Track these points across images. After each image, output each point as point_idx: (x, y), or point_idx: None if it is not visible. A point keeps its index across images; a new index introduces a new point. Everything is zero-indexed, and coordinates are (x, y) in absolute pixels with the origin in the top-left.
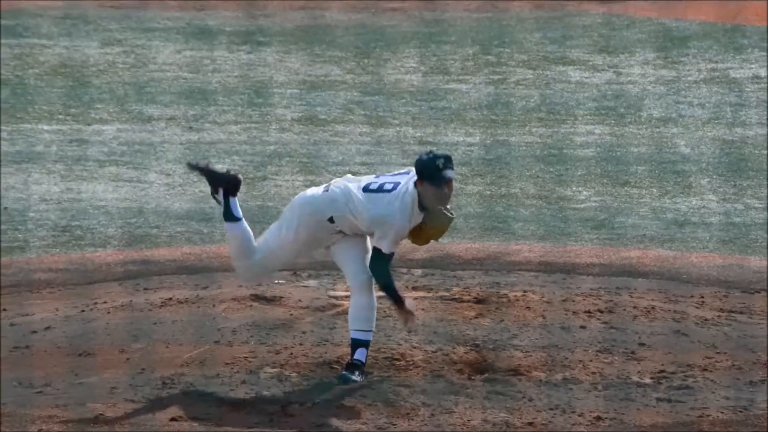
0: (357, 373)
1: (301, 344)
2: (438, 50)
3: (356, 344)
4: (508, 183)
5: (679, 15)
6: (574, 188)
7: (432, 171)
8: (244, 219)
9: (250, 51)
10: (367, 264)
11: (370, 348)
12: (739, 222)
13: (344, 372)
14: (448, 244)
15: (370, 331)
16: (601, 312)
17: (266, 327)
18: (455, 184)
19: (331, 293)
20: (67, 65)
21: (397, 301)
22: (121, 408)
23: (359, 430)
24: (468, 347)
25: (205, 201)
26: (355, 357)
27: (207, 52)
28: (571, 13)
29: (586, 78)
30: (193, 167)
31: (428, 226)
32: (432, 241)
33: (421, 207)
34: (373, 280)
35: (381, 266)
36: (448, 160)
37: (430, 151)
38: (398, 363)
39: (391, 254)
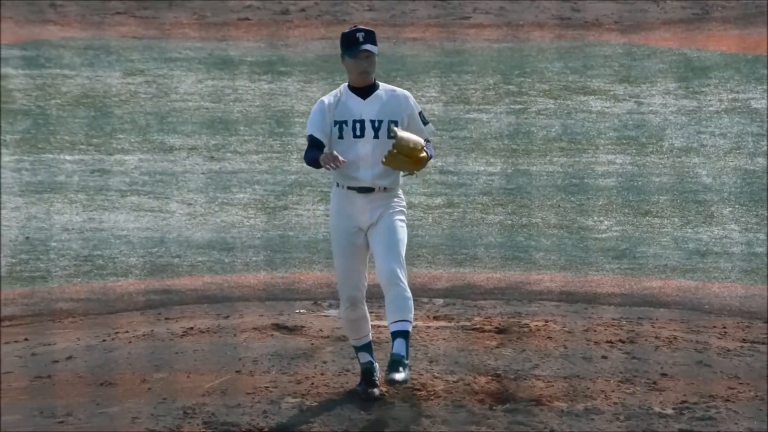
0: (400, 369)
1: (322, 374)
2: (459, 80)
3: (394, 336)
4: (529, 212)
5: (700, 45)
6: (595, 218)
7: (350, 43)
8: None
9: (271, 81)
10: (391, 256)
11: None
12: (761, 252)
13: (389, 375)
14: (469, 274)
15: (408, 321)
16: (623, 342)
17: (287, 356)
18: None
19: None
20: (89, 95)
21: (316, 163)
22: None
23: None
24: (489, 377)
25: (226, 231)
26: (395, 351)
27: (228, 81)
28: (592, 43)
29: (607, 108)
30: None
31: (395, 148)
32: (409, 169)
33: (389, 135)
34: (398, 272)
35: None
36: (369, 35)
37: (355, 26)
38: (419, 393)
39: (311, 137)
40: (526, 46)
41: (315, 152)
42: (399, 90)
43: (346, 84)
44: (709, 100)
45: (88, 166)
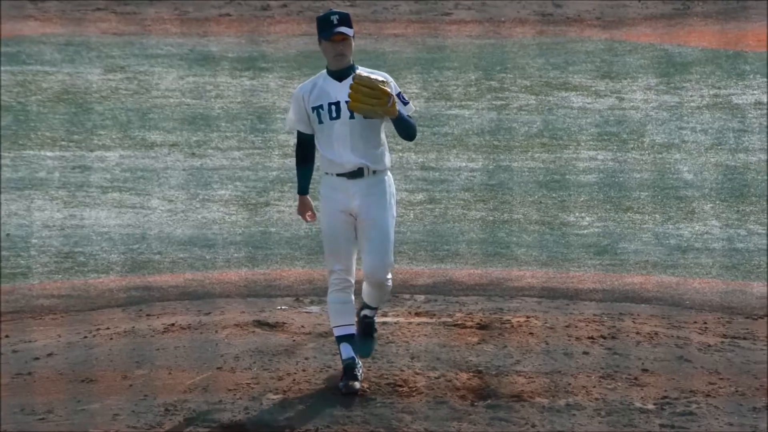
0: (374, 328)
1: (303, 370)
2: (440, 76)
3: (361, 320)
4: (511, 209)
5: (681, 41)
6: (576, 214)
7: (324, 26)
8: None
9: (252, 77)
10: (379, 256)
11: (372, 373)
12: (741, 248)
13: (360, 347)
14: (450, 270)
15: (377, 309)
16: (604, 338)
17: (269, 353)
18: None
19: None
20: (69, 92)
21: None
22: None
23: None
24: (471, 373)
25: (207, 227)
26: (364, 313)
27: (210, 78)
28: (573, 39)
29: (588, 104)
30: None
31: (354, 80)
32: (377, 105)
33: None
34: (383, 272)
35: None
36: (343, 18)
37: (331, 9)
38: (401, 389)
39: (298, 132)
40: (508, 42)
41: (301, 173)
42: (378, 72)
43: (325, 70)
44: (691, 96)
45: (68, 163)
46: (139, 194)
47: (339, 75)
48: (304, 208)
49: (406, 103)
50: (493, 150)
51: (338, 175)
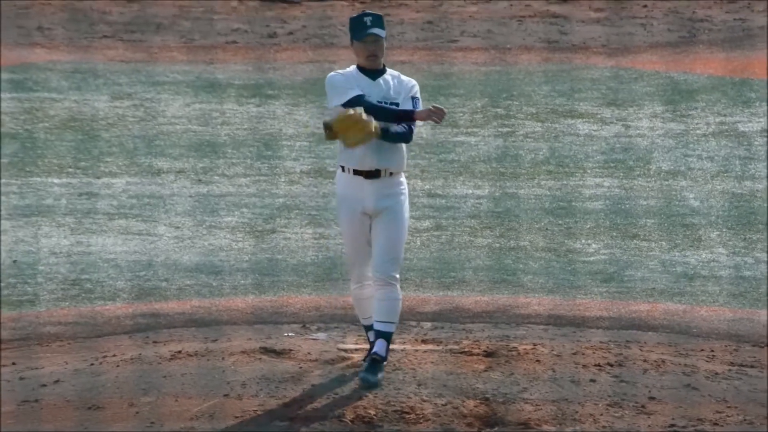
0: (378, 372)
1: (311, 397)
2: (446, 103)
3: (376, 334)
4: (517, 235)
5: (687, 68)
6: (583, 241)
7: (357, 27)
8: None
9: (259, 104)
10: (388, 255)
11: (380, 401)
12: (749, 275)
13: (363, 373)
14: (457, 297)
15: (393, 323)
16: (611, 365)
17: (276, 380)
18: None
19: (341, 346)
20: (76, 119)
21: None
22: None
23: None
24: (478, 400)
25: (214, 254)
26: (376, 350)
27: (216, 105)
28: (579, 66)
29: (594, 131)
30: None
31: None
32: (364, 131)
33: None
34: (393, 273)
35: None
36: (377, 19)
37: (364, 11)
38: (408, 416)
39: (356, 97)
40: (514, 69)
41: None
42: (405, 77)
43: (355, 66)
44: (697, 123)
45: (75, 190)
46: (146, 221)
47: (371, 74)
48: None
49: (416, 107)
50: (500, 177)
51: (355, 172)
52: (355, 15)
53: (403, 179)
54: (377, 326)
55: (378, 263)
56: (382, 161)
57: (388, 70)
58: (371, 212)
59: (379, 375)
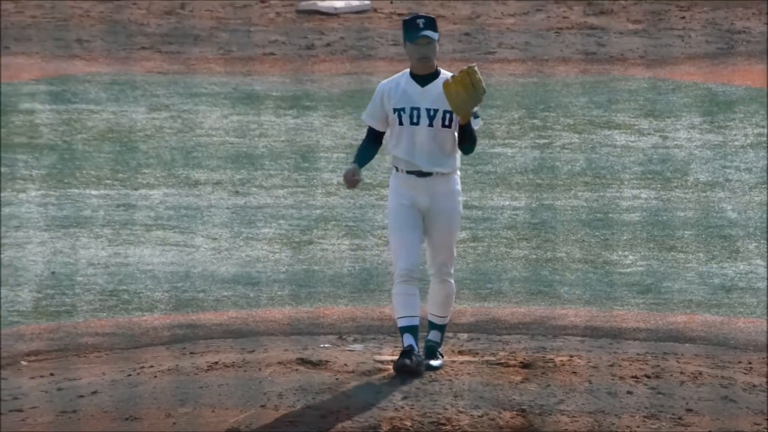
0: (437, 355)
1: (347, 408)
2: (483, 114)
3: (431, 326)
4: (554, 247)
5: (725, 80)
6: (620, 252)
7: (410, 28)
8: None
9: (296, 115)
10: (444, 254)
11: (416, 412)
12: None
13: (426, 360)
14: (493, 309)
15: (447, 317)
16: (648, 377)
17: (312, 391)
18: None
19: (377, 357)
20: (114, 130)
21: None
22: None
23: None
24: (514, 412)
25: (251, 265)
26: (431, 337)
27: (254, 116)
28: (617, 77)
29: (632, 142)
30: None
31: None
32: (465, 106)
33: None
34: (448, 268)
35: None
36: (429, 22)
37: (417, 13)
38: (444, 428)
39: (368, 127)
40: (551, 80)
41: (362, 150)
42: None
43: (408, 70)
44: (735, 135)
45: (113, 201)
46: (183, 232)
47: (422, 79)
48: (352, 173)
49: (476, 117)
50: (537, 188)
51: (408, 172)
52: (407, 17)
53: (457, 176)
54: (432, 319)
55: (434, 261)
56: (438, 166)
57: (442, 73)
58: (424, 208)
59: (441, 360)
